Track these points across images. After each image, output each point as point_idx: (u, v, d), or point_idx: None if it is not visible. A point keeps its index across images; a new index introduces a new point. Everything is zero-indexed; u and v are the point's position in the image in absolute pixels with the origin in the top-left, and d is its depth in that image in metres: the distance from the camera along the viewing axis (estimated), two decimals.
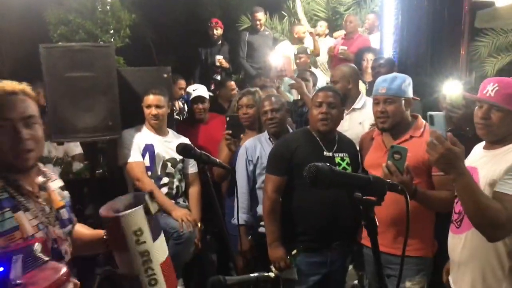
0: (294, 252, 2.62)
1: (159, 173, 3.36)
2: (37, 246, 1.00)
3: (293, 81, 4.06)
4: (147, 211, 1.36)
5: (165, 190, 3.34)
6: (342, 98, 2.78)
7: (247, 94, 3.38)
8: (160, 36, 8.00)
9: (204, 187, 3.45)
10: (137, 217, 1.34)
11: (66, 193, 1.71)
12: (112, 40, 4.74)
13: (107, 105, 3.16)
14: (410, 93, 2.51)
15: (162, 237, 1.42)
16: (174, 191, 3.39)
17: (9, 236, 1.34)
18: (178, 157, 3.43)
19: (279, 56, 5.21)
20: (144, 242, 1.34)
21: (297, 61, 5.29)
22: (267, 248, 2.74)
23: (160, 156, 3.36)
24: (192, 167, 3.52)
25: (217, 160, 2.06)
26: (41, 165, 1.63)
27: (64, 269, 0.91)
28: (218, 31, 6.16)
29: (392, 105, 2.46)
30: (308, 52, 5.39)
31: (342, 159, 2.72)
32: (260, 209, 2.96)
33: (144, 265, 1.34)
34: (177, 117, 4.75)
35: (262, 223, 2.96)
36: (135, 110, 3.39)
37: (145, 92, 3.37)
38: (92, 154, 3.71)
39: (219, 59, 6.05)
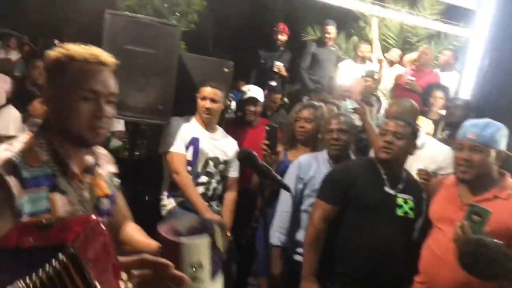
0: None
1: (199, 170, 3.12)
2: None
3: (356, 105, 3.77)
4: (213, 244, 1.14)
5: (201, 189, 3.10)
6: (414, 131, 2.49)
7: (309, 107, 3.11)
8: (221, 29, 7.86)
9: (243, 197, 3.22)
10: (200, 249, 1.12)
11: (116, 181, 1.52)
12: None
13: (162, 87, 2.97)
14: (503, 145, 2.18)
15: (220, 277, 1.20)
16: (210, 193, 3.15)
17: (37, 218, 1.16)
18: (222, 158, 3.20)
19: (347, 75, 4.93)
20: (201, 279, 1.11)
21: (363, 83, 5.00)
22: (298, 277, 2.48)
23: (204, 153, 3.13)
24: (234, 171, 3.28)
25: (278, 176, 1.80)
26: (97, 148, 1.48)
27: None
28: (283, 37, 5.94)
29: (479, 155, 2.14)
30: (376, 77, 5.10)
31: (405, 201, 2.41)
32: (300, 235, 2.69)
33: None
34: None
35: (298, 250, 2.69)
36: (188, 99, 3.17)
37: (203, 83, 3.15)
38: (134, 135, 3.53)
39: (278, 65, 5.82)
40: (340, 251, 2.42)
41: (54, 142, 1.30)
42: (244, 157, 1.71)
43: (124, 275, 0.85)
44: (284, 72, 5.85)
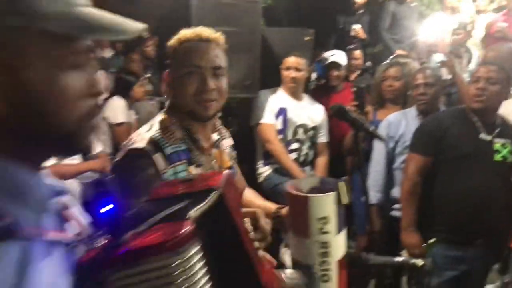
0: (432, 240, 2.38)
1: (289, 138, 3.28)
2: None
3: (444, 58, 3.66)
4: (338, 199, 1.22)
5: (293, 156, 3.26)
6: (509, 76, 2.40)
7: (396, 65, 3.11)
8: (292, 2, 7.82)
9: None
10: (327, 203, 1.20)
11: (234, 153, 1.67)
12: None
13: (248, 63, 3.13)
14: None
15: (344, 232, 1.28)
16: (302, 158, 3.30)
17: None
18: (310, 124, 3.32)
19: (430, 29, 4.75)
20: (328, 232, 1.20)
21: (454, 37, 4.78)
22: (396, 232, 2.54)
23: (292, 121, 3.27)
24: (323, 136, 3.39)
25: (371, 127, 1.88)
26: (218, 123, 1.59)
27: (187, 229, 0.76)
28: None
29: None
30: (468, 28, 4.85)
31: (504, 146, 2.36)
32: (395, 192, 2.73)
33: (321, 257, 1.21)
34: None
35: (395, 206, 2.74)
36: (273, 71, 3.31)
37: (286, 54, 3.27)
38: (225, 111, 3.74)
39: (355, 28, 5.73)
40: (437, 201, 2.43)
41: (184, 120, 1.43)
42: (337, 111, 1.78)
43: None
44: (362, 35, 5.75)
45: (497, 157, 2.35)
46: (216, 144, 1.53)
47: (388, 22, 5.74)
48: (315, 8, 7.41)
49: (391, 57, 4.53)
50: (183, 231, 0.67)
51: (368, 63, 5.41)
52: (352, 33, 5.73)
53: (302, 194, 1.21)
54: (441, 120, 2.47)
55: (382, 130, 2.82)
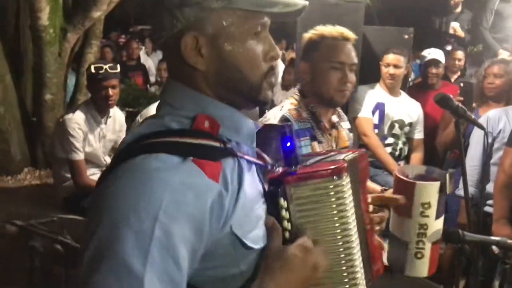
0: None
1: (385, 132, 3.42)
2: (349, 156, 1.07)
3: None
4: (442, 188, 1.38)
5: (388, 150, 3.40)
6: None
7: (499, 63, 3.13)
8: (385, 2, 7.81)
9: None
10: (432, 191, 1.34)
11: (351, 135, 1.92)
12: None
13: None
14: None
15: (442, 220, 1.44)
16: (397, 153, 3.43)
17: None
18: (407, 120, 3.44)
19: None
20: (428, 216, 1.35)
21: None
22: (489, 227, 2.59)
23: (389, 116, 3.41)
24: (419, 133, 3.49)
25: (472, 116, 1.98)
26: (338, 107, 1.85)
27: (345, 164, 0.97)
28: None
29: None
30: None
31: None
32: (490, 187, 2.78)
33: (418, 237, 1.35)
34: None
35: (489, 201, 2.79)
36: (372, 68, 3.47)
37: (385, 51, 3.41)
38: None
39: (454, 26, 5.64)
40: None
41: (310, 104, 1.72)
42: (441, 98, 1.91)
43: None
44: (460, 33, 5.65)
45: None
46: (335, 125, 1.77)
47: (490, 20, 5.58)
48: (412, 8, 7.37)
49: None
50: (340, 164, 0.93)
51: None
52: (451, 31, 5.65)
53: (411, 180, 1.36)
54: None
55: None
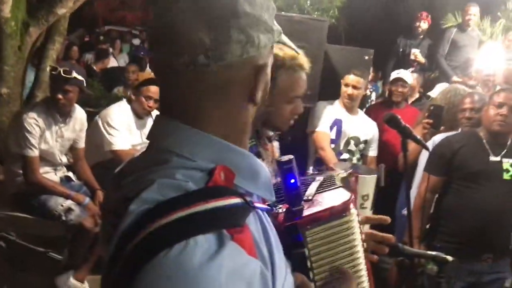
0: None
1: (341, 148, 3.53)
2: (342, 174, 1.11)
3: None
4: (378, 181, 1.44)
5: None
6: None
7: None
8: (357, 20, 8.05)
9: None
10: (370, 183, 1.42)
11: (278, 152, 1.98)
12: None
13: (310, 75, 3.36)
14: None
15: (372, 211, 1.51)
16: None
17: None
18: (362, 138, 3.56)
19: (490, 59, 4.82)
20: (366, 208, 1.43)
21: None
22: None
23: (346, 133, 3.52)
24: (373, 151, 3.63)
25: (419, 137, 2.08)
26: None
27: (352, 196, 0.99)
28: (424, 25, 5.99)
29: None
30: None
31: None
32: None
33: None
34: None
35: None
36: (332, 85, 3.59)
37: (347, 71, 3.53)
38: None
39: (415, 53, 5.90)
40: (445, 218, 2.63)
41: (257, 124, 1.66)
42: (389, 118, 1.99)
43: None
44: (421, 59, 5.90)
45: (506, 176, 2.53)
46: (270, 139, 1.82)
47: (446, 48, 5.85)
48: (375, 31, 7.64)
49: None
50: (347, 199, 0.96)
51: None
52: (412, 57, 5.89)
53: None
54: (453, 142, 2.66)
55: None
